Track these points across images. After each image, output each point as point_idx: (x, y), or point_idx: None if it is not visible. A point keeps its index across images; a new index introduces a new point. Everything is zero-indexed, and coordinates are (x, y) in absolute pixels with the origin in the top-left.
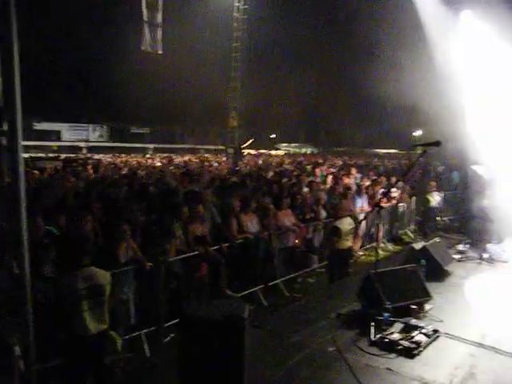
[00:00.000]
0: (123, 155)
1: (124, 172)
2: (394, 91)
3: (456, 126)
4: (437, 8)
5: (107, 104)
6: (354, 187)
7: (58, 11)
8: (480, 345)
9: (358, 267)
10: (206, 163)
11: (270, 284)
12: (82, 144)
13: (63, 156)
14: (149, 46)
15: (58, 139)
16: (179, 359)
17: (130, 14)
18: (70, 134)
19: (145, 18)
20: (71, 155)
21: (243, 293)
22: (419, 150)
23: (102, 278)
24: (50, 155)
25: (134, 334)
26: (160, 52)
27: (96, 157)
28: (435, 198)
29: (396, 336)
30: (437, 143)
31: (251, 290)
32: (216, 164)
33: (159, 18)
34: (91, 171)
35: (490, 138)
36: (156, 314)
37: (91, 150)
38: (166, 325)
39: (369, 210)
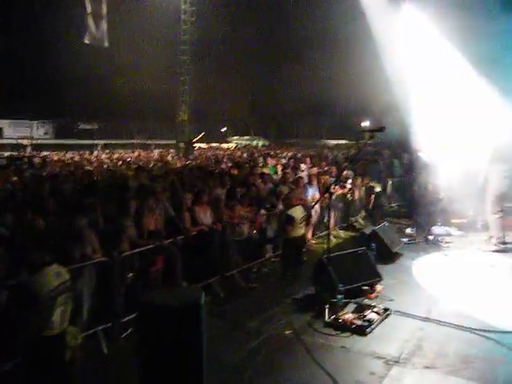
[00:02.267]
0: (71, 153)
1: (72, 169)
2: (342, 84)
3: (400, 114)
4: (379, 2)
5: (52, 100)
6: (305, 177)
7: None
8: (427, 319)
9: (312, 255)
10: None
11: (226, 275)
12: (25, 142)
13: (6, 154)
14: (93, 38)
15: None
16: (137, 349)
17: (73, 5)
18: (11, 131)
19: (88, 9)
20: (14, 153)
21: (199, 285)
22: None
23: (66, 273)
24: None
25: (91, 331)
26: (106, 44)
27: (42, 154)
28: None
29: (349, 316)
30: (382, 129)
31: (207, 282)
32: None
33: (104, 9)
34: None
35: (432, 125)
36: (112, 309)
37: (36, 147)
38: (123, 320)
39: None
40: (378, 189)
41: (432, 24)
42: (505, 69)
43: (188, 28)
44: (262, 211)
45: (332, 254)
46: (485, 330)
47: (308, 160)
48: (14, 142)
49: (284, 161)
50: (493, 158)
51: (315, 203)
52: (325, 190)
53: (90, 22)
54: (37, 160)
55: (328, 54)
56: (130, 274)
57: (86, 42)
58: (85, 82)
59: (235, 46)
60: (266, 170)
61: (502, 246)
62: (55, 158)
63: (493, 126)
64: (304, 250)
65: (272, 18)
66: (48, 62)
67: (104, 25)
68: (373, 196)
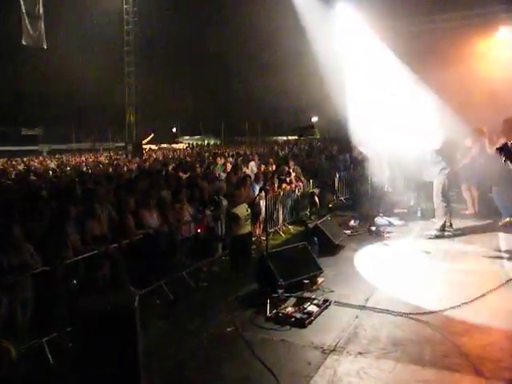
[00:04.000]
0: (17, 159)
1: (13, 176)
2: (288, 81)
3: (343, 110)
4: (312, 1)
5: None
6: (252, 175)
7: None
8: (363, 307)
9: (261, 251)
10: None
11: (175, 276)
12: None
13: None
14: (31, 39)
15: None
16: (76, 357)
17: (8, 4)
18: None
19: (23, 8)
20: None
21: (148, 288)
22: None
23: None
24: None
25: (35, 342)
26: (44, 46)
27: None
28: None
29: (289, 309)
30: (311, 127)
31: (156, 285)
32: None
33: (40, 8)
34: None
35: (372, 120)
36: (57, 318)
37: None
38: (69, 329)
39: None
40: (317, 191)
41: (365, 22)
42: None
43: (131, 28)
44: (207, 211)
45: (272, 250)
46: (414, 313)
47: (256, 157)
48: None
49: (231, 159)
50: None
51: (253, 200)
52: (260, 189)
53: (26, 22)
54: None
55: (272, 53)
56: (74, 282)
57: (23, 43)
58: (25, 86)
59: (181, 45)
60: (216, 170)
61: (441, 232)
62: None
63: (426, 120)
64: (253, 246)
65: (214, 15)
66: None
67: (41, 25)
68: (316, 198)
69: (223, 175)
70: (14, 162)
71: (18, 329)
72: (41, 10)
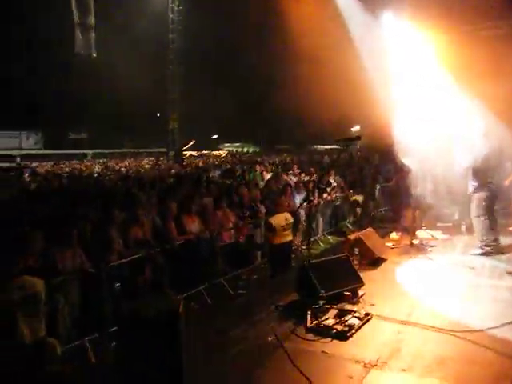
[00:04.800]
0: (66, 162)
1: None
2: (331, 89)
3: (387, 120)
4: (358, 10)
5: (42, 110)
6: (293, 184)
7: None
8: (405, 322)
9: (300, 261)
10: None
11: (214, 282)
12: (14, 152)
13: None
14: (82, 48)
15: None
16: (120, 359)
17: (62, 16)
18: (1, 142)
19: (76, 19)
20: (3, 164)
21: (188, 293)
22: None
23: (36, 286)
24: None
25: (78, 342)
26: (94, 55)
27: (33, 165)
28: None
29: (330, 321)
30: (357, 138)
31: (195, 290)
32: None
33: (91, 19)
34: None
35: (417, 131)
36: (100, 319)
37: (25, 158)
38: (112, 330)
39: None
40: (360, 199)
41: (412, 32)
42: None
43: (176, 37)
44: (248, 218)
45: (314, 260)
46: (459, 331)
47: (295, 166)
48: (2, 152)
49: (267, 167)
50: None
51: (296, 209)
52: (303, 199)
53: (78, 32)
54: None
55: (316, 61)
56: (117, 285)
57: (75, 51)
58: (74, 92)
59: (225, 54)
60: (256, 177)
61: (487, 248)
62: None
63: (470, 133)
64: (293, 255)
65: (259, 23)
66: (38, 72)
67: (92, 35)
68: (358, 209)
69: (261, 183)
70: (61, 166)
71: (64, 328)
72: (92, 21)
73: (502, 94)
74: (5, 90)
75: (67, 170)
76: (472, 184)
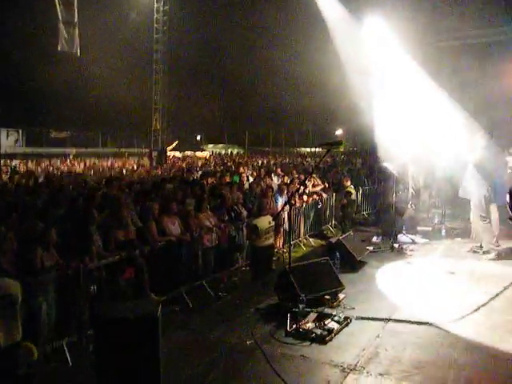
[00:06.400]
0: (47, 161)
1: (41, 180)
2: (314, 92)
3: (370, 124)
4: (342, 14)
5: (23, 108)
6: (276, 186)
7: None
8: (384, 325)
9: (282, 263)
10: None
11: (195, 285)
12: None
13: None
14: (66, 46)
15: None
16: (95, 362)
17: (45, 12)
18: None
19: (60, 16)
20: None
21: (168, 295)
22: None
23: (12, 287)
24: None
25: (55, 344)
26: (78, 52)
27: (13, 163)
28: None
29: (310, 325)
30: (339, 143)
31: (176, 292)
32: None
33: (75, 16)
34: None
35: (398, 135)
36: (78, 321)
37: (6, 156)
38: (89, 332)
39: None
40: (352, 195)
41: (394, 37)
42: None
43: (160, 37)
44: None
45: (294, 264)
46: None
47: (279, 169)
48: None
49: (249, 171)
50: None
51: (278, 212)
52: (285, 202)
53: (62, 29)
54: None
55: (299, 64)
56: (93, 287)
57: (59, 49)
58: (56, 90)
59: (208, 55)
60: (239, 177)
61: (498, 250)
62: (24, 167)
63: (455, 135)
64: (274, 258)
65: (243, 26)
66: (19, 69)
67: (76, 32)
68: (344, 200)
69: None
70: (43, 165)
71: (41, 330)
72: (76, 19)
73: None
74: None
75: (51, 169)
76: (469, 186)
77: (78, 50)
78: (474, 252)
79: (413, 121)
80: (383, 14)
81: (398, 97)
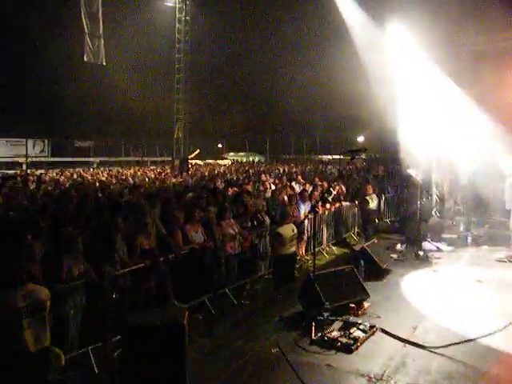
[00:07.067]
0: (71, 170)
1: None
2: (336, 100)
3: (392, 131)
4: (364, 21)
5: (49, 118)
6: (298, 194)
7: None
8: (411, 336)
9: (304, 271)
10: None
11: (218, 292)
12: (20, 159)
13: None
14: (92, 57)
15: None
16: (122, 369)
17: (71, 24)
18: (7, 149)
19: (85, 28)
20: (8, 171)
21: (191, 302)
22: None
23: (41, 293)
24: None
25: (82, 351)
26: (103, 63)
27: (38, 172)
28: (374, 201)
29: (335, 334)
30: (364, 150)
31: (199, 300)
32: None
33: (100, 28)
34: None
35: (423, 142)
36: (103, 328)
37: (32, 165)
38: (115, 339)
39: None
40: (372, 204)
41: (415, 41)
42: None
43: (182, 46)
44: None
45: (319, 272)
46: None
47: (300, 176)
48: (9, 160)
49: (271, 180)
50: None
51: (303, 220)
52: (310, 209)
53: (88, 40)
54: (31, 178)
55: (321, 71)
56: (115, 294)
57: (85, 59)
58: (81, 100)
59: (230, 64)
60: (260, 185)
61: None
62: (52, 175)
63: (479, 139)
64: (297, 266)
65: (264, 34)
66: (45, 80)
67: (101, 43)
68: (364, 211)
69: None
70: (67, 173)
71: (68, 336)
72: (101, 30)
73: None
74: (13, 98)
75: (75, 176)
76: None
77: (104, 61)
78: (501, 261)
79: (436, 127)
80: (405, 20)
81: (421, 103)
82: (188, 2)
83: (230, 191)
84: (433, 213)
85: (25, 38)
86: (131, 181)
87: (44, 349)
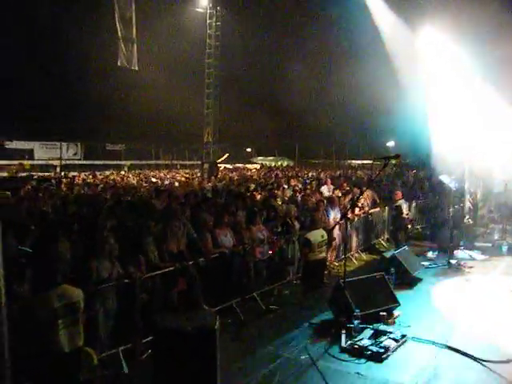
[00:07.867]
0: (106, 173)
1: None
2: (366, 105)
3: (424, 136)
4: (396, 24)
5: (82, 121)
6: (326, 199)
7: (28, 28)
8: (444, 347)
9: (334, 277)
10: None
11: (246, 297)
12: (55, 162)
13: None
14: (125, 61)
15: (31, 158)
16: (153, 371)
17: (104, 30)
18: (42, 152)
19: (119, 33)
20: (44, 174)
21: (220, 307)
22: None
23: (75, 295)
24: (22, 174)
25: (112, 351)
26: (136, 68)
27: (71, 174)
28: (403, 207)
29: (365, 342)
30: (396, 156)
31: (227, 304)
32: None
33: (133, 33)
34: (65, 189)
35: (456, 147)
36: (133, 329)
37: (65, 168)
38: (144, 341)
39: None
40: (404, 211)
41: (451, 46)
42: None
43: (212, 52)
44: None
45: (349, 279)
46: (504, 361)
47: (329, 181)
48: (44, 162)
49: (300, 185)
50: None
51: (333, 226)
52: (341, 215)
53: (122, 45)
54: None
55: (349, 76)
56: (142, 296)
57: (119, 64)
58: (113, 104)
59: (260, 69)
60: (287, 192)
61: None
62: (84, 177)
63: None
64: (326, 272)
65: (294, 41)
66: (78, 85)
67: (134, 48)
68: (395, 217)
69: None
70: (99, 176)
71: (100, 337)
72: (134, 35)
73: None
74: (47, 103)
75: (109, 179)
76: None
77: (137, 65)
78: None
79: (470, 131)
80: (439, 22)
81: (454, 106)
82: (219, 8)
83: (259, 196)
84: (465, 220)
85: (61, 43)
86: (160, 183)
87: (77, 349)
